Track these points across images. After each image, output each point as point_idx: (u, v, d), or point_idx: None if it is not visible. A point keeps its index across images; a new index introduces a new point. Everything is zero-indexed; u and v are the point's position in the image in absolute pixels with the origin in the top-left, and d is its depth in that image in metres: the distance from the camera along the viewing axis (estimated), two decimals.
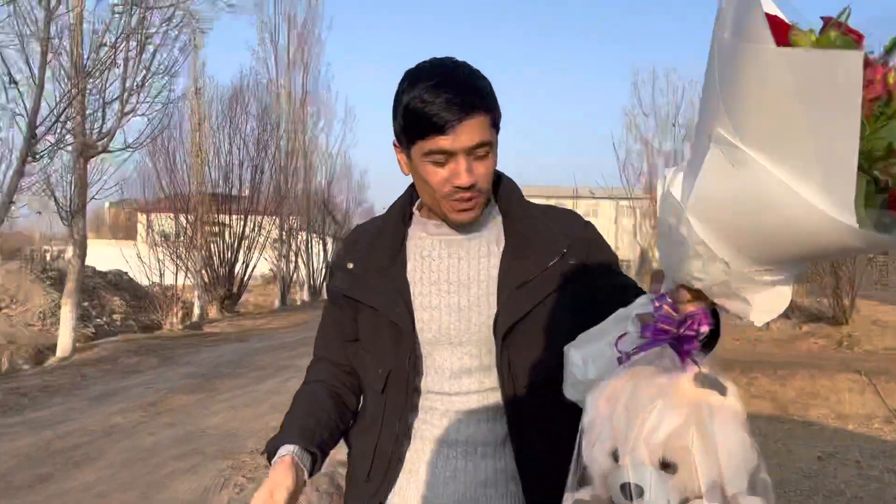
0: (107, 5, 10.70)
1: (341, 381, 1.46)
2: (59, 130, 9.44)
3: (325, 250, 27.79)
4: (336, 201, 29.55)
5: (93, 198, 11.20)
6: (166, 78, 11.32)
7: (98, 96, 10.53)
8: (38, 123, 8.87)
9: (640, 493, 0.84)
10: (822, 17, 0.67)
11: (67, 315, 10.51)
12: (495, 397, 1.33)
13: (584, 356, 1.09)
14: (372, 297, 1.36)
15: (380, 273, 1.36)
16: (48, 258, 17.68)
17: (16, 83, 8.67)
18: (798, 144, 0.65)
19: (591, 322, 1.19)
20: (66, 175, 10.61)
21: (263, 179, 21.23)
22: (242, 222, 20.24)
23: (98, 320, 14.48)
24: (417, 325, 1.34)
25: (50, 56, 9.45)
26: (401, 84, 1.27)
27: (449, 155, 1.23)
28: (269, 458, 1.32)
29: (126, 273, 17.22)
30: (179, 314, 15.65)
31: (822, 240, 0.68)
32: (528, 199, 1.42)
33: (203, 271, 17.99)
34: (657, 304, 0.93)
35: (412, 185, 1.41)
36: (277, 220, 22.64)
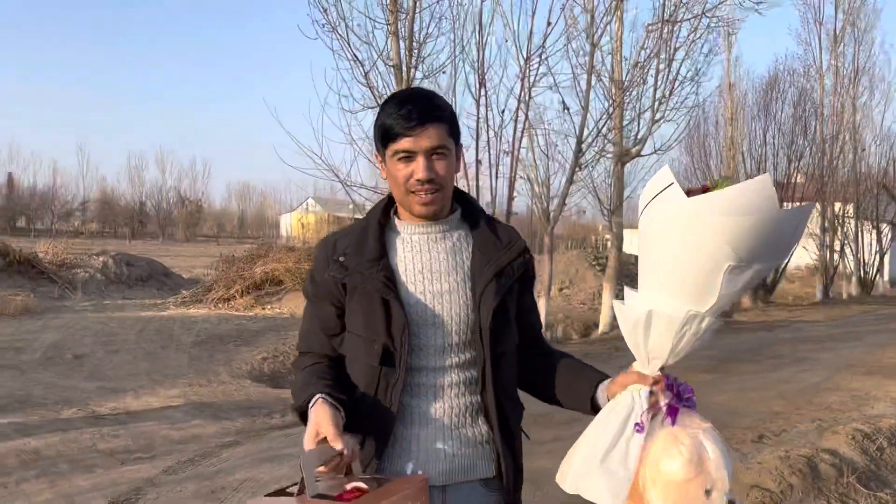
0: (641, 28, 12.20)
1: (329, 366, 1.61)
2: (600, 143, 11.34)
3: (878, 239, 25.11)
4: None
5: (628, 196, 12.98)
6: (692, 84, 12.32)
7: (632, 110, 12.19)
8: (583, 139, 10.87)
9: None
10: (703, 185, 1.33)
11: (607, 296, 12.53)
12: (471, 370, 1.56)
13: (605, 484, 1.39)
14: (366, 282, 1.53)
15: (371, 263, 1.55)
16: (600, 248, 20.56)
17: (568, 109, 10.81)
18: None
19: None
20: (607, 179, 12.59)
21: (801, 165, 20.47)
22: None
23: None
24: (406, 309, 1.53)
25: (593, 81, 11.40)
26: (379, 108, 1.59)
27: (411, 154, 1.50)
28: (301, 415, 1.47)
29: None
30: None
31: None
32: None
33: None
34: (670, 383, 1.42)
35: (388, 196, 1.67)
36: (819, 207, 21.56)
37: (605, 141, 11.68)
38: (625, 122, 12.28)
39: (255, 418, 6.69)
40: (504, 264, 1.57)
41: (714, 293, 1.34)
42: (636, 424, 1.39)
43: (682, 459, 1.34)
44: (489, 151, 9.65)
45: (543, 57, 9.91)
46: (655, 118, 12.23)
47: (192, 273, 20.38)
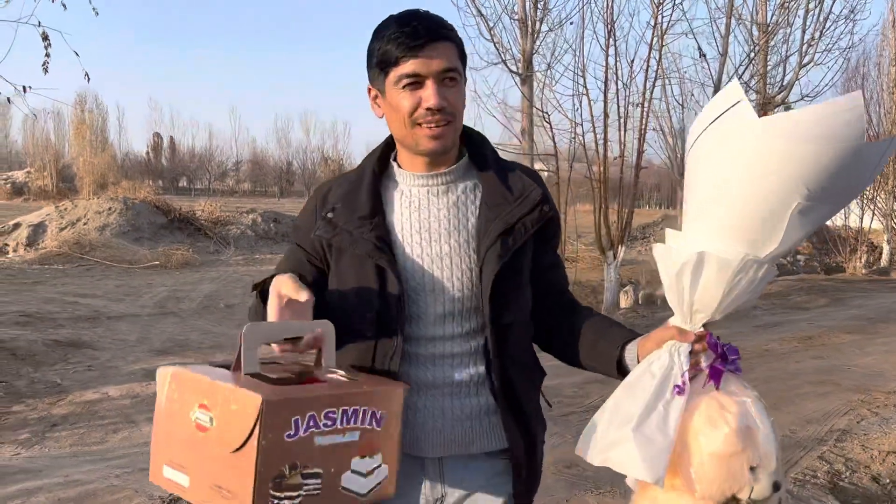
0: None
1: None
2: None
3: None
4: None
5: None
6: (847, 23, 11.31)
7: (776, 54, 11.41)
8: (720, 87, 10.32)
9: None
10: None
11: None
12: (475, 340, 1.38)
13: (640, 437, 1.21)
14: (357, 243, 1.34)
15: (362, 221, 1.35)
16: None
17: (704, 56, 10.28)
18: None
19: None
20: None
21: None
22: None
23: (782, 260, 15.63)
24: (401, 274, 1.34)
25: (733, 24, 10.75)
26: (373, 34, 1.33)
27: (420, 79, 1.28)
28: (262, 295, 1.29)
29: None
30: (863, 258, 15.42)
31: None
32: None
33: (894, 215, 17.05)
34: (713, 342, 1.24)
35: (386, 140, 1.45)
36: None
37: (747, 88, 11.03)
38: (768, 67, 11.52)
39: None
40: (513, 221, 1.36)
41: (777, 237, 1.15)
42: (676, 386, 1.21)
43: (728, 430, 1.18)
44: (618, 103, 9.42)
45: (677, 1, 9.46)
46: (803, 62, 11.35)
47: None
